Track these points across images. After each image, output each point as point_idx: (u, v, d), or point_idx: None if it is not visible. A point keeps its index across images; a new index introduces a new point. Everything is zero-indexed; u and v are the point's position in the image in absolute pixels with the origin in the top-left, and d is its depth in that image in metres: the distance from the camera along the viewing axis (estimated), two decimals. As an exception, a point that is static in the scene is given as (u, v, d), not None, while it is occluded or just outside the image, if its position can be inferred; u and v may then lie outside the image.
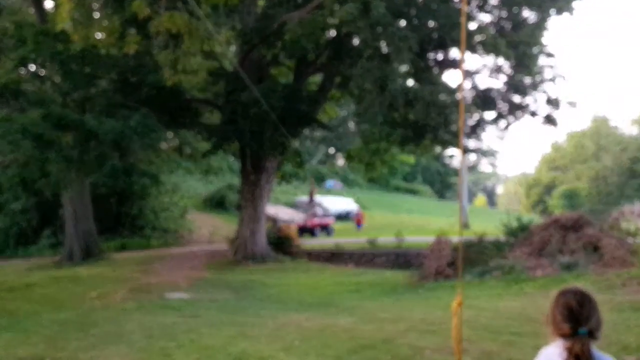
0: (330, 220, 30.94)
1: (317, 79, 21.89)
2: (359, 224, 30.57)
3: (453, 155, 49.26)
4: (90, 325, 10.79)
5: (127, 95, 17.25)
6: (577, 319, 2.41)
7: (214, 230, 29.48)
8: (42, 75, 18.27)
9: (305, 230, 28.96)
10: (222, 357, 7.29)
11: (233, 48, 21.24)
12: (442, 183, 67.52)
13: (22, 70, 17.04)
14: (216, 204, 36.41)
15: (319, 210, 31.75)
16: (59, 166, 15.69)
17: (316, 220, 29.99)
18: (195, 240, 28.53)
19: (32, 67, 17.52)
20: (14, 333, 10.23)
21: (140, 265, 20.29)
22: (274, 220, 25.98)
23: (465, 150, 18.81)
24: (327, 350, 7.42)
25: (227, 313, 11.42)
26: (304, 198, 39.98)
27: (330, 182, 49.83)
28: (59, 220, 25.78)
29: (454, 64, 17.16)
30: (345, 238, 24.73)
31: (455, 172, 65.25)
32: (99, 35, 11.01)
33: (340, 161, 55.70)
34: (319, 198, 39.06)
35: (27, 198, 25.88)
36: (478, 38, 15.74)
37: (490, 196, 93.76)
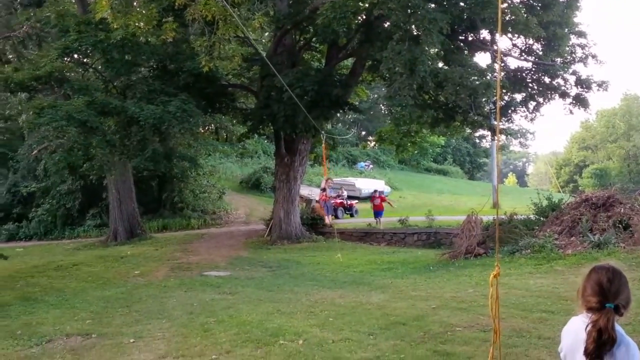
0: (353, 202, 30.49)
1: (348, 62, 22.06)
2: (378, 209, 23.35)
3: (483, 136, 48.89)
4: (134, 301, 11.30)
5: (166, 81, 17.80)
6: (606, 294, 2.47)
7: (250, 210, 30.06)
8: (85, 63, 18.91)
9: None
10: (259, 333, 7.59)
11: (267, 34, 21.58)
12: (472, 164, 66.87)
13: (66, 59, 17.62)
14: (252, 185, 37.02)
15: (343, 193, 31.25)
16: (103, 151, 16.33)
17: (338, 201, 29.27)
18: (232, 221, 29.12)
19: (76, 56, 18.11)
20: (62, 310, 10.75)
21: (180, 244, 20.97)
22: (307, 201, 26.37)
23: (497, 131, 18.81)
24: (361, 327, 7.66)
25: (264, 290, 11.78)
26: (336, 179, 40.38)
27: (362, 164, 49.95)
28: (104, 202, 26.79)
29: (485, 45, 17.17)
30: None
31: (486, 153, 64.57)
32: (137, 24, 11.43)
33: (372, 143, 55.68)
34: (351, 179, 39.35)
35: (73, 181, 26.87)
36: (508, 18, 15.72)
37: (521, 176, 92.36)
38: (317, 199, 21.05)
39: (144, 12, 11.51)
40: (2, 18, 17.11)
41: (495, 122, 18.67)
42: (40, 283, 14.42)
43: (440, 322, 7.69)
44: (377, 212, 23.24)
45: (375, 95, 44.17)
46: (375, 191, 24.85)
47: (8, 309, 11.14)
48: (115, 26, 11.27)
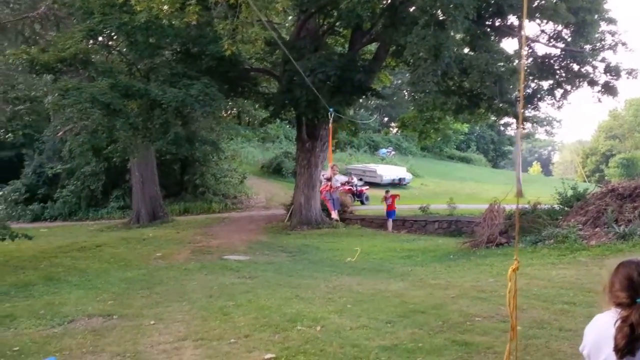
0: (363, 188, 29.69)
1: (371, 47, 21.85)
2: (390, 210, 21.54)
3: (508, 123, 48.21)
4: (155, 283, 11.45)
5: (188, 65, 17.82)
6: (636, 289, 2.40)
7: (270, 195, 30.15)
8: (109, 45, 18.99)
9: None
10: (277, 318, 7.61)
11: (290, 17, 21.45)
12: (497, 151, 66.15)
13: (90, 41, 17.70)
14: (273, 170, 37.09)
15: (352, 179, 30.36)
16: (126, 133, 16.44)
17: (347, 187, 28.37)
18: (253, 205, 29.25)
19: (100, 38, 18.17)
20: (85, 290, 10.94)
21: (201, 228, 21.13)
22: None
23: (522, 119, 18.52)
24: (379, 314, 7.65)
25: (283, 275, 11.82)
26: (358, 165, 40.26)
27: (384, 150, 49.71)
28: (127, 184, 27.11)
29: (511, 30, 16.85)
30: (398, 205, 24.83)
31: (510, 141, 63.75)
32: (160, 7, 11.40)
33: (394, 129, 55.31)
34: (372, 165, 39.21)
35: (97, 163, 27.19)
36: (537, 3, 15.39)
37: (546, 164, 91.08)
38: (320, 188, 16.89)
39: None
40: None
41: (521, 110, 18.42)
42: (63, 263, 14.66)
43: (459, 311, 7.64)
44: (389, 213, 21.20)
45: (399, 81, 43.78)
46: (388, 191, 22.44)
47: (32, 289, 11.37)
48: (138, 8, 11.26)
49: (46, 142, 29.05)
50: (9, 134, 20.66)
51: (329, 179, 14.06)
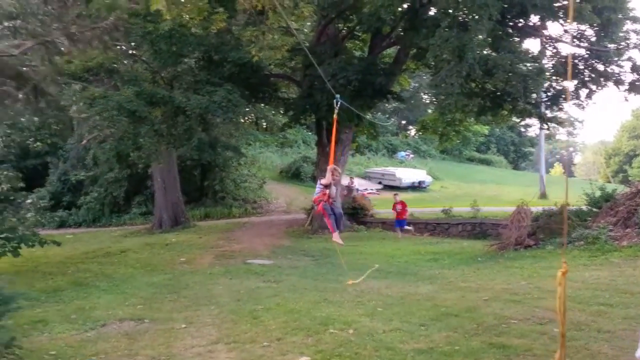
0: (365, 193, 28.74)
1: (391, 51, 21.81)
2: (399, 218, 19.84)
3: (529, 125, 47.72)
4: (181, 288, 11.53)
5: (211, 72, 17.96)
6: None
7: (290, 200, 30.16)
8: (134, 54, 19.21)
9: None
10: (308, 321, 7.62)
11: (308, 23, 21.51)
12: (517, 153, 65.52)
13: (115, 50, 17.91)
14: (292, 175, 37.12)
15: (353, 184, 28.67)
16: (151, 140, 16.60)
17: (344, 192, 25.96)
18: (273, 210, 29.30)
19: (124, 47, 18.39)
20: (113, 295, 11.04)
21: (223, 232, 21.21)
22: (349, 190, 26.29)
23: (546, 120, 18.35)
24: (411, 317, 7.62)
25: (308, 279, 11.80)
26: (376, 169, 40.17)
27: (402, 153, 49.55)
28: (148, 190, 27.35)
29: (535, 31, 16.72)
30: (419, 208, 24.73)
31: (531, 142, 62.99)
32: (189, 16, 11.53)
33: (412, 132, 55.10)
34: (391, 169, 39.08)
35: (120, 169, 27.51)
36: (561, 3, 15.26)
37: (567, 165, 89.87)
38: (313, 198, 10.11)
39: (195, 2, 11.59)
40: (55, 11, 17.43)
41: (545, 111, 18.25)
42: (90, 269, 14.79)
43: (493, 314, 7.58)
44: (399, 222, 19.65)
45: (416, 84, 43.68)
46: (396, 194, 21.04)
47: (61, 294, 11.48)
48: (167, 17, 11.39)
49: (70, 150, 29.43)
50: (37, 142, 20.97)
51: (326, 186, 8.94)
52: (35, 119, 16.98)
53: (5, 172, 14.63)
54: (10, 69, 4.66)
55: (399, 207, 19.79)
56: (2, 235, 12.87)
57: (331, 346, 6.52)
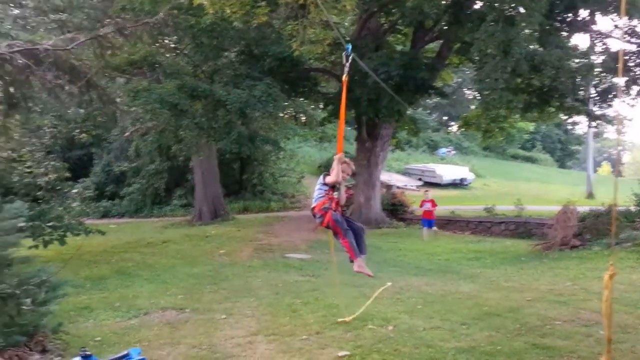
0: None
1: (433, 45, 21.50)
2: (427, 218, 18.22)
3: (577, 122, 46.42)
4: (221, 279, 11.67)
5: (251, 66, 18.06)
6: None
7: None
8: (176, 48, 19.46)
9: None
10: (346, 316, 7.52)
11: (349, 17, 21.37)
12: (564, 151, 63.91)
13: (158, 44, 18.17)
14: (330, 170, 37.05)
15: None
16: (191, 133, 16.81)
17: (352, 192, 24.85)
18: (311, 205, 29.29)
19: (166, 41, 18.65)
20: (155, 284, 11.28)
21: (261, 226, 21.34)
22: (388, 187, 26.12)
23: (594, 117, 17.81)
24: (452, 316, 7.51)
25: (346, 274, 11.58)
26: (416, 165, 39.78)
27: (443, 150, 48.91)
28: (189, 183, 27.74)
29: (584, 25, 16.22)
30: (461, 205, 24.38)
31: (578, 140, 61.37)
32: (232, 10, 11.64)
33: (454, 128, 54.33)
34: (431, 165, 38.64)
35: (161, 162, 27.98)
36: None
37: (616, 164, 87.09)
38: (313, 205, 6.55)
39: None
40: (101, 4, 17.79)
41: (594, 108, 17.69)
42: (133, 258, 15.09)
43: (537, 314, 7.44)
44: (426, 222, 18.20)
45: (459, 79, 43.01)
46: (427, 191, 19.92)
47: (106, 282, 11.76)
48: (210, 11, 11.50)
49: (113, 141, 30.05)
50: (82, 134, 21.52)
51: (333, 187, 6.29)
52: (81, 110, 17.36)
53: (52, 163, 15.08)
54: (64, 63, 4.77)
55: (427, 205, 18.15)
56: (49, 224, 13.28)
57: (370, 342, 6.47)
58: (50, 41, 5.74)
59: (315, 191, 6.08)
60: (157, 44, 17.35)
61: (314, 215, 6.12)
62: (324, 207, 5.89)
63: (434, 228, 18.18)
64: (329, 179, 5.91)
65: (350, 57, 6.02)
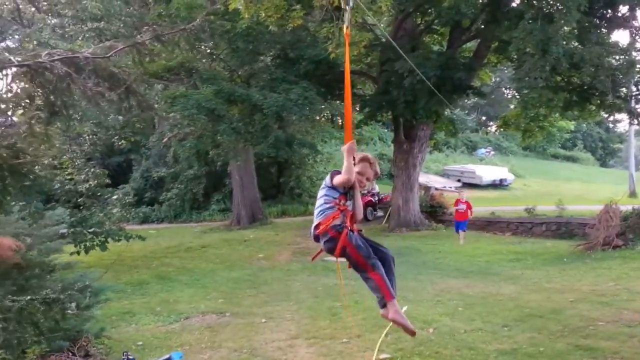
0: (386, 198, 24.55)
1: (470, 45, 21.21)
2: (460, 219, 17.28)
3: (618, 120, 45.18)
4: (260, 283, 11.76)
5: (287, 69, 18.16)
6: None
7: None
8: (212, 53, 19.69)
9: None
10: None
11: (384, 18, 21.27)
12: (605, 149, 62.33)
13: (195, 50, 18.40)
14: (368, 172, 36.94)
15: (374, 187, 24.73)
16: (229, 138, 16.96)
17: (367, 198, 23.35)
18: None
19: (203, 47, 18.86)
20: (195, 289, 11.44)
21: (299, 229, 21.37)
22: (426, 188, 25.86)
23: (636, 115, 17.24)
24: (493, 318, 7.44)
25: None
26: (455, 166, 39.33)
27: (482, 150, 48.21)
28: (226, 187, 28.02)
29: (624, 21, 15.75)
30: (501, 206, 23.98)
31: (620, 138, 59.78)
32: (267, 14, 11.74)
33: (493, 128, 53.53)
34: (470, 166, 38.15)
35: (199, 167, 28.35)
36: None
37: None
38: (317, 222, 4.04)
39: (274, 1, 11.74)
40: (137, 12, 18.18)
41: (636, 105, 17.16)
42: (173, 263, 15.34)
43: (579, 315, 7.32)
44: (459, 224, 17.36)
45: (498, 79, 42.41)
46: (461, 192, 19.13)
47: (147, 287, 11.97)
48: (246, 16, 11.60)
49: (151, 147, 30.57)
50: (122, 141, 21.95)
51: (345, 193, 4.06)
52: (120, 118, 17.72)
53: (92, 169, 15.40)
54: (103, 71, 4.87)
55: (462, 206, 17.14)
56: (90, 230, 13.56)
57: (411, 345, 6.42)
58: (89, 49, 5.86)
59: (318, 199, 4.05)
60: (194, 50, 17.61)
61: (316, 238, 4.01)
62: (333, 225, 3.86)
63: (465, 231, 17.22)
64: (338, 180, 3.92)
65: (350, 5, 4.50)
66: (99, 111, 11.66)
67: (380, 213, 24.20)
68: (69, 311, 5.30)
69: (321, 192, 4.06)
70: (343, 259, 3.95)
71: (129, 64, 6.03)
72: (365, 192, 23.63)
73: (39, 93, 4.88)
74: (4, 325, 4.35)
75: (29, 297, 4.55)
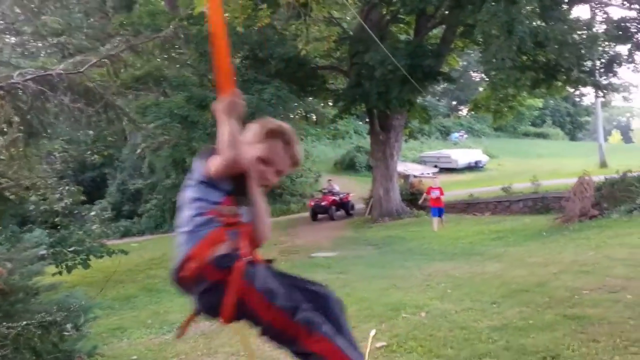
0: (349, 196, 24.50)
1: (437, 31, 21.44)
2: (435, 206, 17.03)
3: (584, 94, 45.97)
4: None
5: (258, 69, 18.17)
6: None
7: (347, 191, 30.17)
8: (179, 59, 19.57)
9: (320, 209, 23.35)
10: (380, 308, 7.57)
11: (350, 12, 21.41)
12: (573, 124, 63.46)
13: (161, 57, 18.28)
14: (347, 166, 37.16)
15: (334, 187, 24.57)
16: (204, 143, 16.90)
17: (331, 198, 23.49)
18: (331, 202, 29.34)
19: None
20: (185, 298, 11.20)
21: (284, 229, 21.42)
22: (405, 177, 26.10)
23: (602, 87, 17.64)
24: (481, 297, 7.53)
25: (374, 267, 11.79)
26: (431, 152, 39.71)
27: (455, 134, 48.77)
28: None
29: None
30: (478, 188, 24.30)
31: (587, 111, 60.90)
32: (235, 15, 11.71)
33: (464, 112, 54.08)
34: (445, 151, 38.56)
35: (177, 175, 28.12)
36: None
37: (625, 132, 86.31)
38: (184, 254, 2.37)
39: (240, 2, 11.74)
40: (98, 22, 18.04)
41: (600, 78, 17.54)
42: (159, 275, 15.16)
43: (564, 286, 7.44)
44: (435, 210, 17.06)
45: (465, 63, 42.84)
46: (435, 177, 19.30)
47: (134, 301, 11.82)
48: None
49: (125, 160, 30.27)
50: (94, 155, 21.69)
51: (233, 192, 2.31)
52: (90, 132, 17.51)
53: (67, 187, 15.14)
54: (78, 86, 4.83)
55: (436, 192, 17.02)
56: (70, 249, 13.30)
57: (405, 330, 6.49)
58: (60, 65, 5.84)
59: (182, 207, 2.44)
60: (165, 58, 17.47)
61: (184, 285, 2.42)
62: (216, 258, 2.23)
63: (443, 217, 17.20)
64: (216, 166, 2.27)
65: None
66: (76, 128, 11.49)
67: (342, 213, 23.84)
68: (65, 332, 5.27)
69: (188, 193, 2.42)
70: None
71: (103, 76, 5.99)
72: (327, 191, 23.92)
73: (15, 115, 4.86)
74: (4, 354, 4.33)
75: (25, 323, 4.52)
